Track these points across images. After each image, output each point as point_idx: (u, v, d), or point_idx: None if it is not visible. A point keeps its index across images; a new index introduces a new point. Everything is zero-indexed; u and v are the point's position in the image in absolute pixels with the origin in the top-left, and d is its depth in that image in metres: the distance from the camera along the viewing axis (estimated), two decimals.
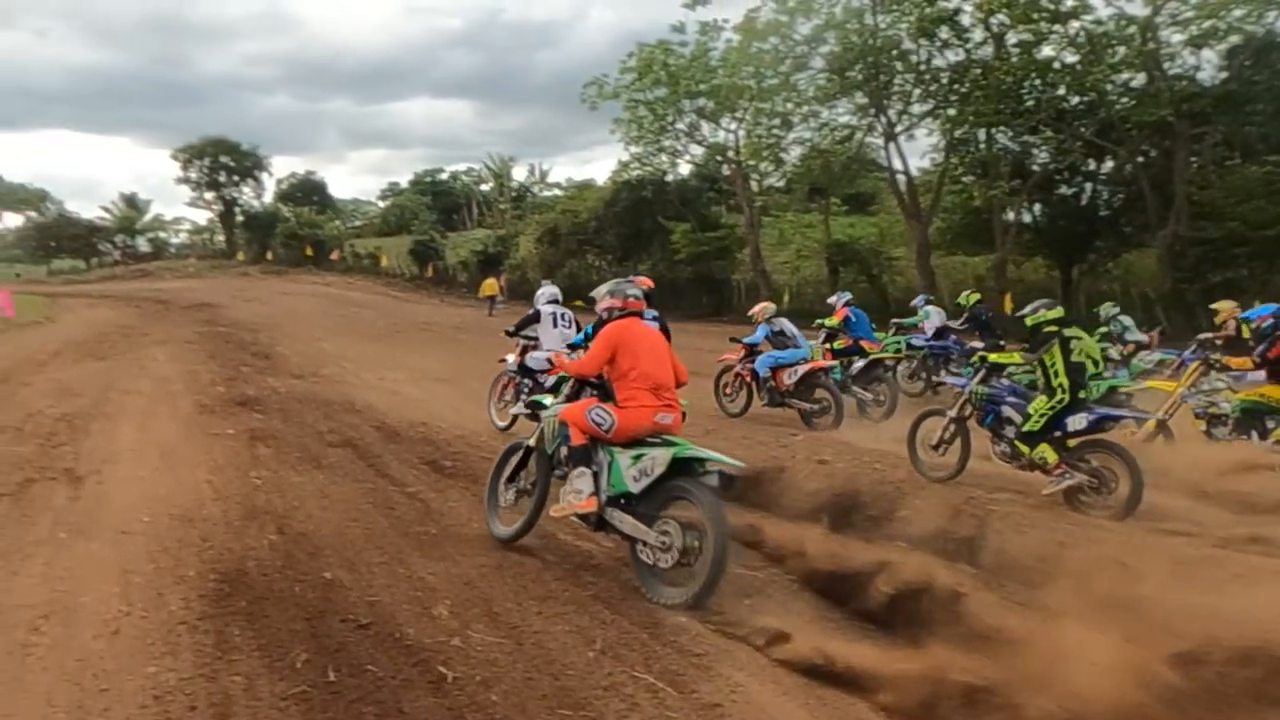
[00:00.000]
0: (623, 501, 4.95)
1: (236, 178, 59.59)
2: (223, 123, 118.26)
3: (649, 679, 3.84)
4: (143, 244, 65.33)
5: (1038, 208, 28.67)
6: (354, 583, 4.86)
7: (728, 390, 11.46)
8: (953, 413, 7.84)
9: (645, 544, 4.77)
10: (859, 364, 11.33)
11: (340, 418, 10.02)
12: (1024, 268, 29.38)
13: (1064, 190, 28.46)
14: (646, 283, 8.05)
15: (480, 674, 3.81)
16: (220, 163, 58.70)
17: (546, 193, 59.15)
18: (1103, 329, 12.69)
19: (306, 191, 62.21)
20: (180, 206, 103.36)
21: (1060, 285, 26.94)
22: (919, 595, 4.51)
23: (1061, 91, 26.09)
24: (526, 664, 3.94)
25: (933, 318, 13.60)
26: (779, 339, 10.92)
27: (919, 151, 41.06)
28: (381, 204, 72.23)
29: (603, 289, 5.74)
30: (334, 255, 46.87)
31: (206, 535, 5.59)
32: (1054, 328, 7.15)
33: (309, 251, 47.67)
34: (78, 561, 5.09)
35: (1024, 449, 7.13)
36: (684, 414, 5.39)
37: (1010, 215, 27.70)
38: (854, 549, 5.17)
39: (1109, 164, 27.43)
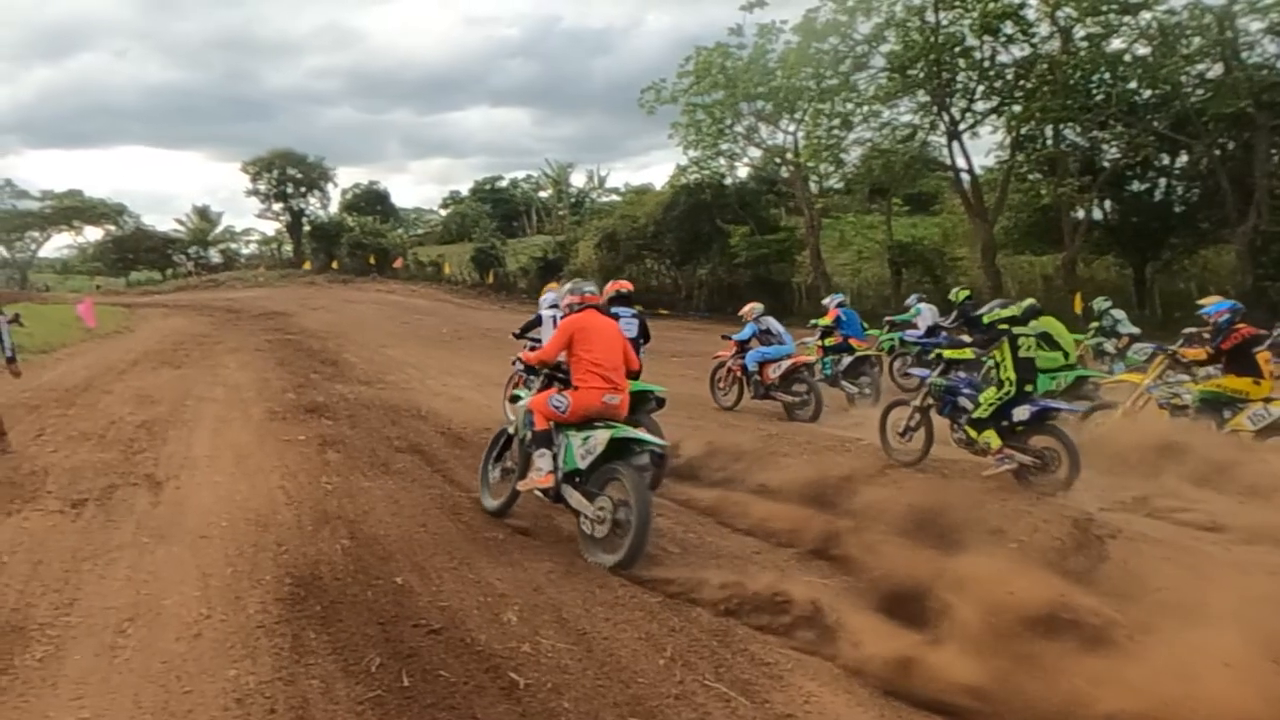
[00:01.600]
0: (576, 479, 5.69)
1: (303, 189, 60.99)
2: (289, 136, 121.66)
3: (720, 688, 3.80)
4: (214, 255, 67.24)
5: (1108, 204, 27.82)
6: (424, 588, 4.91)
7: (721, 385, 12.30)
8: (916, 403, 8.48)
9: (586, 516, 5.51)
10: (848, 359, 12.26)
11: (407, 424, 10.15)
12: (1094, 266, 28.55)
13: (1136, 186, 27.59)
14: (626, 285, 9.30)
15: (551, 680, 3.81)
16: (287, 175, 60.16)
17: (605, 198, 59.36)
18: (1096, 324, 13.27)
19: (370, 201, 63.40)
20: (250, 218, 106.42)
21: (1133, 284, 26.14)
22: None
23: (1133, 85, 25.34)
24: (597, 671, 3.93)
25: (925, 315, 14.34)
26: (766, 337, 11.67)
27: (983, 149, 40.37)
28: (443, 212, 73.20)
29: (564, 288, 6.67)
30: (397, 263, 47.61)
31: (281, 540, 5.70)
32: (1006, 326, 7.74)
33: (373, 260, 48.54)
34: (160, 565, 5.23)
35: (973, 434, 7.76)
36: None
37: (1079, 213, 26.94)
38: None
39: (1184, 158, 26.48)
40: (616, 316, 7.75)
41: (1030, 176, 28.65)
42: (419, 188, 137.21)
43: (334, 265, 51.07)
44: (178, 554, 5.43)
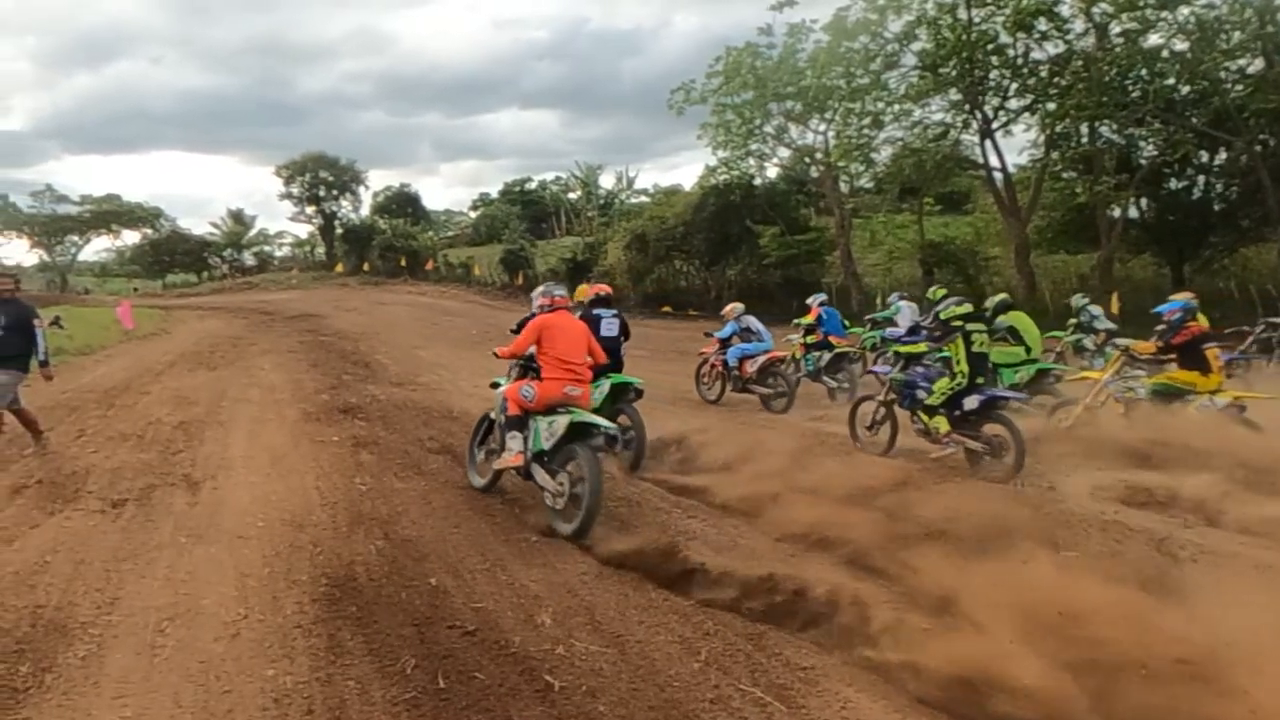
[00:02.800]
0: (544, 459, 6.32)
1: (335, 192, 61.61)
2: (322, 139, 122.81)
3: (756, 692, 3.77)
4: (248, 258, 68.18)
5: (1145, 203, 27.36)
6: (458, 589, 4.92)
7: (705, 379, 12.94)
8: (881, 397, 9.09)
9: (549, 491, 6.17)
10: (828, 356, 12.93)
11: (439, 424, 10.20)
12: (1130, 265, 28.08)
13: (1174, 184, 27.09)
14: (606, 288, 9.81)
15: (586, 684, 3.81)
16: (320, 178, 60.79)
17: (633, 200, 59.39)
18: (1074, 320, 13.74)
19: (401, 204, 63.84)
20: (283, 221, 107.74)
21: (1171, 283, 25.66)
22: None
23: (1170, 81, 24.85)
24: (631, 674, 3.92)
25: (905, 313, 14.50)
26: (746, 334, 12.37)
27: (1016, 147, 39.89)
28: (473, 214, 73.68)
29: (537, 290, 7.29)
30: (428, 265, 47.97)
31: (316, 540, 5.75)
32: (960, 322, 8.26)
33: (404, 262, 48.92)
34: (198, 565, 5.28)
35: (925, 418, 8.34)
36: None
37: (1116, 211, 26.51)
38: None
39: (1223, 155, 25.96)
40: (599, 317, 8.96)
41: (1065, 175, 28.24)
42: (449, 190, 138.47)
43: (365, 267, 51.53)
44: (215, 554, 5.49)
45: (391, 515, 6.41)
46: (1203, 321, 9.57)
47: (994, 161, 28.08)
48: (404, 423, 10.30)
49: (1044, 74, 26.26)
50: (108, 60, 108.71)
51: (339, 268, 53.98)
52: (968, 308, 8.49)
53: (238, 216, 68.55)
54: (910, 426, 8.68)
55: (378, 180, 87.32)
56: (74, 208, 64.35)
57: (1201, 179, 26.85)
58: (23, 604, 4.61)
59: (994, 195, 28.88)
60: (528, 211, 65.69)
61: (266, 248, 69.72)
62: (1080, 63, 25.04)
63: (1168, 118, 24.62)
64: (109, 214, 65.00)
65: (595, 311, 9.11)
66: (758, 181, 35.32)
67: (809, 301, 13.91)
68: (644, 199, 56.77)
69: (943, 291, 12.56)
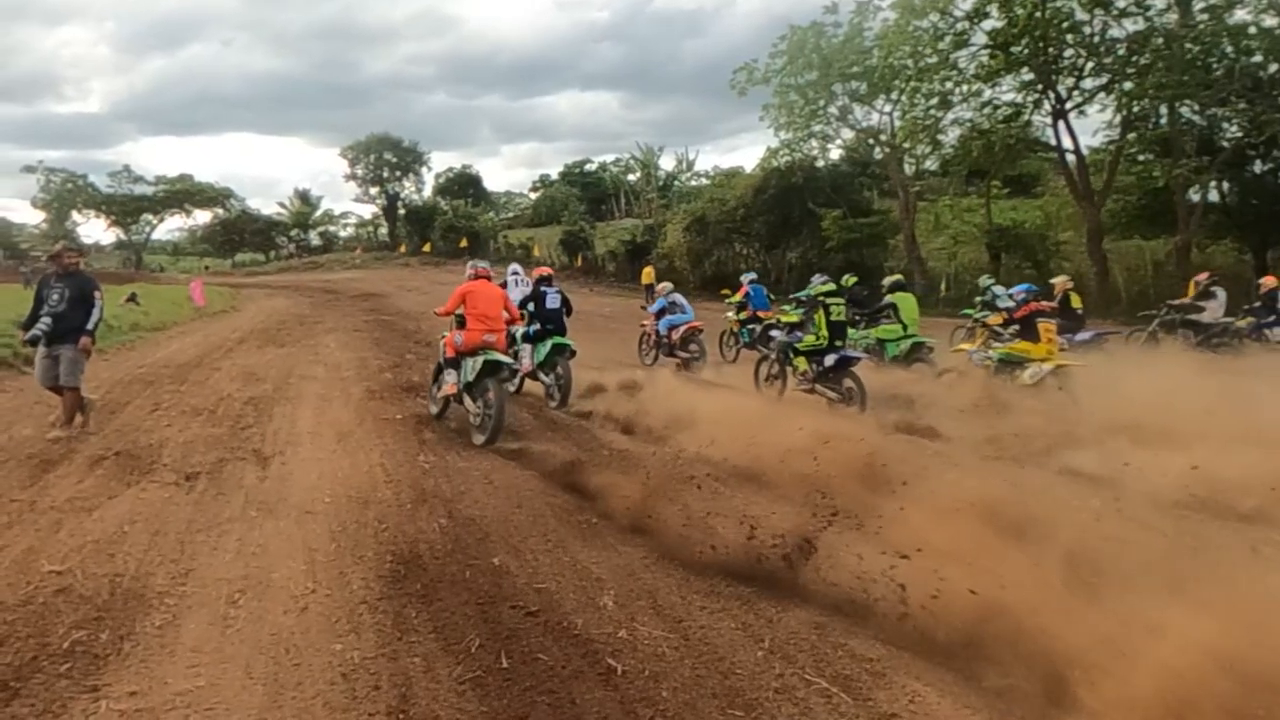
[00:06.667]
0: (470, 389, 8.49)
1: (399, 173, 62.60)
2: (386, 121, 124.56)
3: (821, 683, 3.71)
4: (314, 237, 69.65)
5: (1227, 186, 26.28)
6: (521, 569, 4.94)
7: (644, 348, 15.14)
8: (773, 357, 11.38)
9: (472, 412, 8.42)
10: (758, 327, 14.50)
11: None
12: (1209, 252, 27.00)
13: (1259, 167, 25.93)
14: (548, 270, 11.98)
15: (649, 668, 3.78)
16: (384, 159, 61.80)
17: (693, 182, 59.10)
18: (980, 298, 14.78)
19: (463, 185, 64.58)
20: (348, 201, 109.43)
21: (1253, 270, 24.65)
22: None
23: (1257, 59, 23.78)
24: (695, 660, 3.88)
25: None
26: (673, 308, 14.45)
27: (1090, 129, 38.63)
28: (533, 195, 74.13)
29: (468, 265, 9.56)
30: (489, 246, 48.45)
31: (382, 517, 5.82)
32: (823, 297, 10.53)
33: (465, 243, 49.43)
34: (268, 538, 5.39)
35: (794, 359, 10.68)
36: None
37: (1195, 195, 25.53)
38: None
39: None
40: (544, 293, 11.06)
41: (1141, 157, 27.27)
42: (509, 171, 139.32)
43: (427, 248, 52.18)
44: (284, 528, 5.60)
45: (454, 494, 6.47)
46: (1076, 302, 12.73)
47: (1066, 143, 27.28)
48: (546, 439, 10.35)
49: (1122, 52, 25.35)
50: (182, 44, 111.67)
51: (401, 248, 54.80)
52: (830, 286, 10.83)
53: (304, 197, 69.99)
54: (795, 385, 10.83)
55: (440, 162, 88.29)
56: (149, 188, 66.34)
57: None
58: (103, 572, 4.75)
59: (1066, 178, 28.05)
60: (587, 193, 65.84)
61: (331, 228, 71.14)
62: (1161, 40, 24.12)
63: (1253, 97, 23.55)
64: (182, 194, 66.86)
65: (541, 289, 11.18)
66: (820, 163, 34.86)
67: (741, 280, 15.72)
68: (704, 181, 56.45)
69: (854, 279, 13.99)
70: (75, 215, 65.65)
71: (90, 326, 8.27)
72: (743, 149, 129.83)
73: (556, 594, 4.59)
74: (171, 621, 4.19)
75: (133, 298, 24.91)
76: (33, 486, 6.45)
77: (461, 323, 8.86)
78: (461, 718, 3.38)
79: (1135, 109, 25.80)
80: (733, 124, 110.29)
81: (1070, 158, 27.28)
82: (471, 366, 8.45)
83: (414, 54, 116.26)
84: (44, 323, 8.15)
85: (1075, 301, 13.11)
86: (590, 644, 4.00)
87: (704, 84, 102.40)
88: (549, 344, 10.70)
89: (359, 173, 62.61)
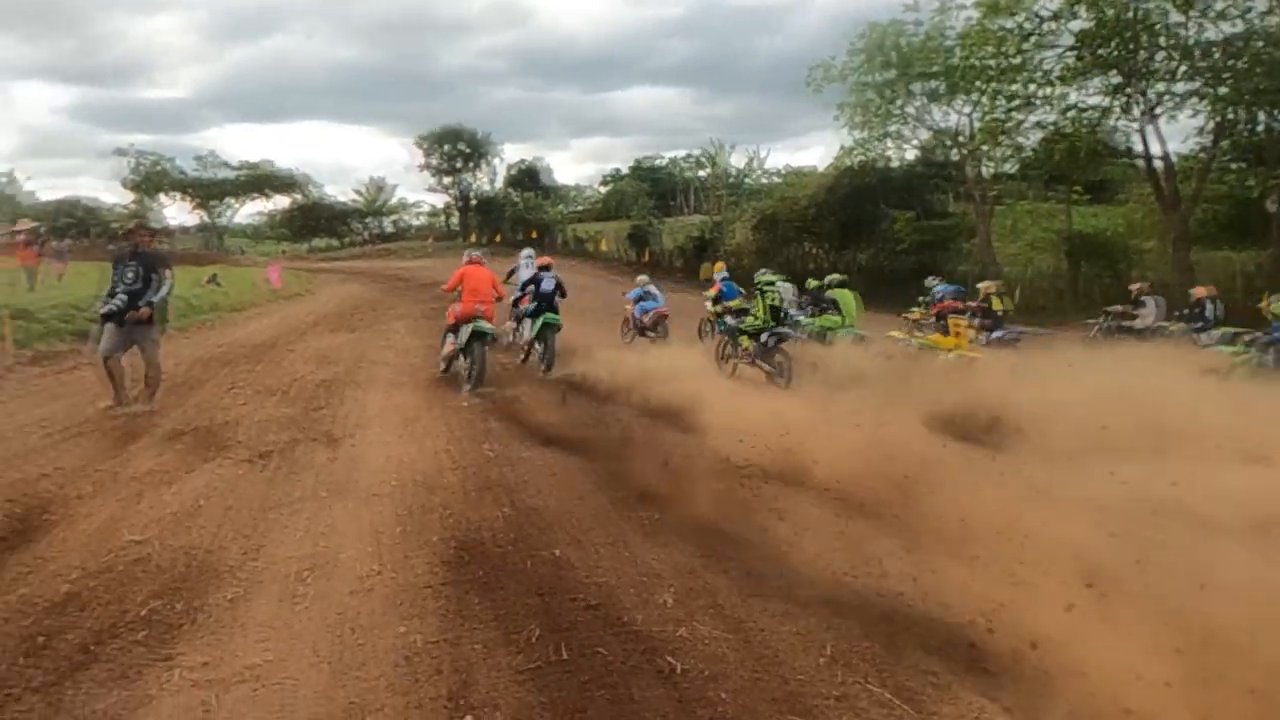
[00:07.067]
0: (463, 350, 10.67)
1: (470, 164, 63.28)
2: (459, 112, 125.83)
3: (883, 693, 3.63)
4: (386, 225, 70.91)
5: None
6: (581, 562, 4.95)
7: (624, 330, 16.90)
8: (726, 338, 13.24)
9: (463, 367, 10.67)
10: (729, 319, 15.24)
11: (566, 396, 10.32)
12: None
13: None
14: (548, 260, 13.99)
15: (708, 669, 3.75)
16: (456, 150, 62.54)
17: (763, 180, 58.61)
18: (924, 298, 15.92)
19: (532, 177, 64.94)
20: (420, 191, 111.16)
21: None
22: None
23: None
24: (754, 663, 3.84)
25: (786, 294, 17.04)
26: (647, 296, 16.46)
27: (1179, 134, 37.20)
28: (601, 189, 74.30)
29: (465, 253, 12.24)
30: (556, 239, 48.79)
31: (446, 503, 5.90)
32: (763, 286, 12.33)
33: (533, 234, 49.83)
34: (336, 519, 5.50)
35: (740, 340, 12.35)
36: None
37: None
38: None
39: None
40: (541, 278, 12.98)
41: (1234, 166, 26.14)
42: (578, 165, 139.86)
43: (496, 239, 52.68)
44: (352, 509, 5.70)
45: (518, 483, 6.52)
46: (997, 304, 14.21)
47: (1154, 149, 26.20)
48: (530, 391, 10.47)
49: (1217, 56, 24.30)
50: (266, 34, 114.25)
51: (471, 238, 55.40)
52: (769, 277, 12.66)
53: (378, 185, 71.18)
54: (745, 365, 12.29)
55: (510, 154, 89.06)
56: (231, 172, 68.18)
57: None
58: (179, 544, 4.91)
59: (1152, 185, 27.01)
60: (655, 188, 65.67)
61: (404, 216, 72.26)
62: (1260, 44, 23.05)
63: None
64: (261, 179, 68.62)
65: (539, 274, 13.18)
66: (894, 163, 34.16)
67: (714, 276, 16.98)
68: (774, 179, 55.94)
69: (817, 283, 15.93)
70: (162, 197, 67.85)
71: (152, 299, 8.42)
72: (814, 147, 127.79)
73: (616, 588, 4.59)
74: (242, 596, 4.30)
75: (213, 279, 25.70)
76: (116, 457, 6.70)
77: (460, 297, 11.11)
78: (520, 707, 3.40)
79: (1229, 115, 24.70)
80: (804, 122, 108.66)
81: (1157, 164, 26.27)
82: (465, 332, 10.61)
83: (487, 47, 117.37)
84: (119, 299, 8.33)
85: (996, 304, 14.46)
86: (649, 641, 3.99)
87: (776, 81, 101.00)
88: (541, 320, 12.59)
89: (431, 163, 63.45)
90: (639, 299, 16.66)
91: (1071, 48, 26.42)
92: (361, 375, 11.36)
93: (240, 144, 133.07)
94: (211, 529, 5.19)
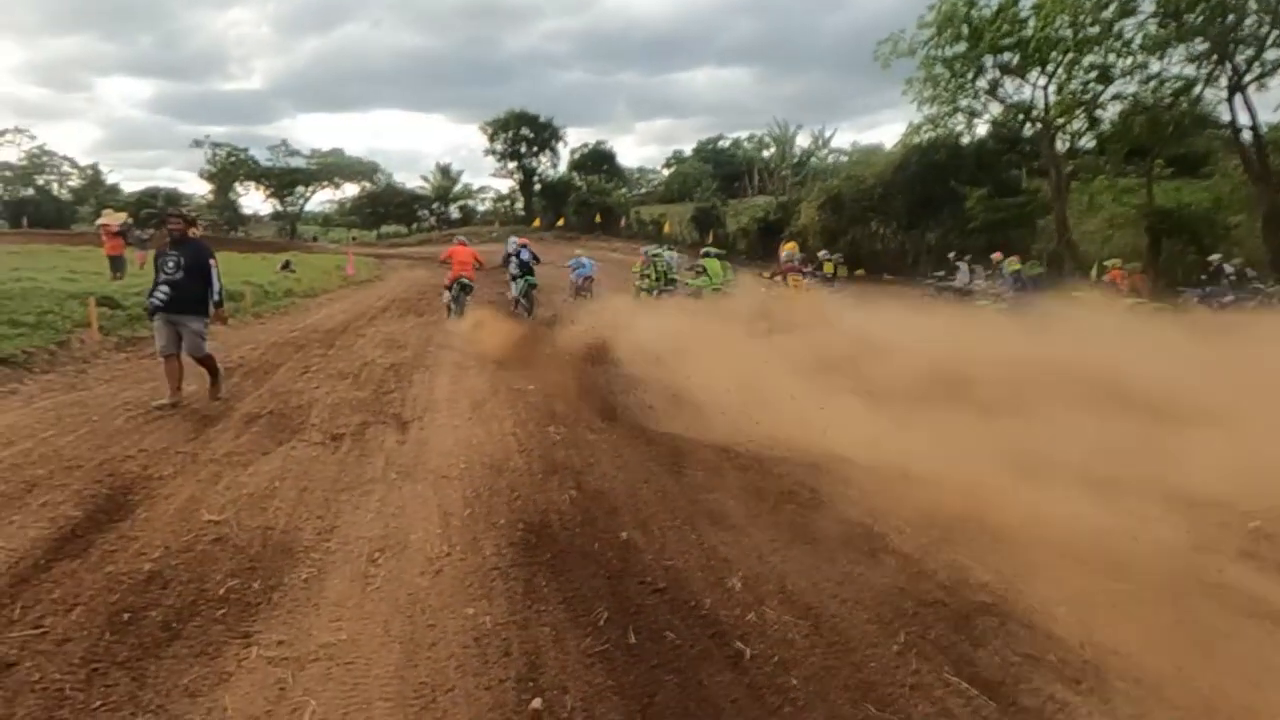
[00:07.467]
0: (454, 301, 16.19)
1: (535, 148, 63.70)
2: (524, 97, 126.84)
3: (961, 684, 3.52)
4: (454, 211, 71.89)
5: None
6: (648, 545, 4.92)
7: (568, 291, 21.62)
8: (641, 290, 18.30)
9: (452, 310, 16.14)
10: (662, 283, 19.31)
11: (628, 377, 10.30)
12: None
13: None
14: (526, 240, 18.83)
15: (778, 654, 3.69)
16: (521, 135, 62.99)
17: (830, 159, 57.75)
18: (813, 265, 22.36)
19: (597, 161, 65.12)
20: (486, 176, 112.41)
21: None
22: None
23: None
24: (825, 650, 3.76)
25: (674, 262, 20.55)
26: (580, 266, 21.58)
27: (1270, 104, 35.43)
28: (665, 172, 74.15)
29: (455, 239, 18.27)
30: (620, 222, 48.80)
31: (514, 485, 5.93)
32: (651, 255, 18.31)
33: (598, 218, 49.94)
34: (406, 501, 5.57)
35: (641, 292, 17.74)
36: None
37: None
38: None
39: None
40: (520, 251, 17.72)
41: None
42: (642, 148, 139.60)
43: (561, 222, 52.90)
44: (421, 491, 5.77)
45: (584, 466, 6.52)
46: (829, 269, 22.41)
47: (1243, 119, 25.07)
48: (591, 374, 10.47)
49: None
50: (336, 24, 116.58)
51: (536, 223, 55.76)
52: (658, 250, 18.86)
53: (445, 171, 72.19)
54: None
55: (575, 138, 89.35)
56: (303, 161, 69.80)
57: None
58: (256, 524, 5.02)
59: (1241, 157, 25.85)
60: (720, 170, 65.34)
61: (470, 202, 73.14)
62: None
63: None
64: (332, 167, 70.16)
65: (520, 249, 17.85)
66: (965, 140, 33.28)
67: (783, 255, 19.02)
68: (841, 158, 55.08)
69: (670, 250, 20.88)
70: (237, 187, 69.94)
71: (216, 299, 8.19)
72: (882, 126, 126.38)
73: (684, 572, 4.55)
74: (317, 576, 4.37)
75: (287, 265, 26.33)
76: (195, 440, 6.89)
77: (451, 267, 16.38)
78: (589, 690, 3.39)
79: None
80: (871, 100, 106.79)
81: (1247, 135, 25.11)
82: (456, 288, 16.06)
83: (553, 30, 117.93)
84: (162, 291, 8.02)
85: (828, 268, 22.94)
86: (718, 625, 3.94)
87: (843, 59, 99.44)
88: (523, 282, 17.58)
89: (497, 148, 64.08)
90: (576, 268, 21.72)
91: (1154, 15, 25.37)
92: (429, 359, 11.51)
93: (312, 133, 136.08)
94: (286, 510, 5.29)
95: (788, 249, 17.07)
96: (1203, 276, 20.12)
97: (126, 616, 3.85)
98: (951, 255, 23.30)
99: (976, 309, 18.85)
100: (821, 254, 23.25)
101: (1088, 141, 31.16)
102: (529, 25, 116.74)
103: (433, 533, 4.99)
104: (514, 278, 17.77)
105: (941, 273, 23.11)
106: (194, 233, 8.58)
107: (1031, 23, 27.56)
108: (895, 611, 4.18)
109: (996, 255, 22.39)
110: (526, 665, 3.54)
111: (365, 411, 8.19)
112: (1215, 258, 20.23)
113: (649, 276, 17.79)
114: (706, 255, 18.18)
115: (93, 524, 4.91)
